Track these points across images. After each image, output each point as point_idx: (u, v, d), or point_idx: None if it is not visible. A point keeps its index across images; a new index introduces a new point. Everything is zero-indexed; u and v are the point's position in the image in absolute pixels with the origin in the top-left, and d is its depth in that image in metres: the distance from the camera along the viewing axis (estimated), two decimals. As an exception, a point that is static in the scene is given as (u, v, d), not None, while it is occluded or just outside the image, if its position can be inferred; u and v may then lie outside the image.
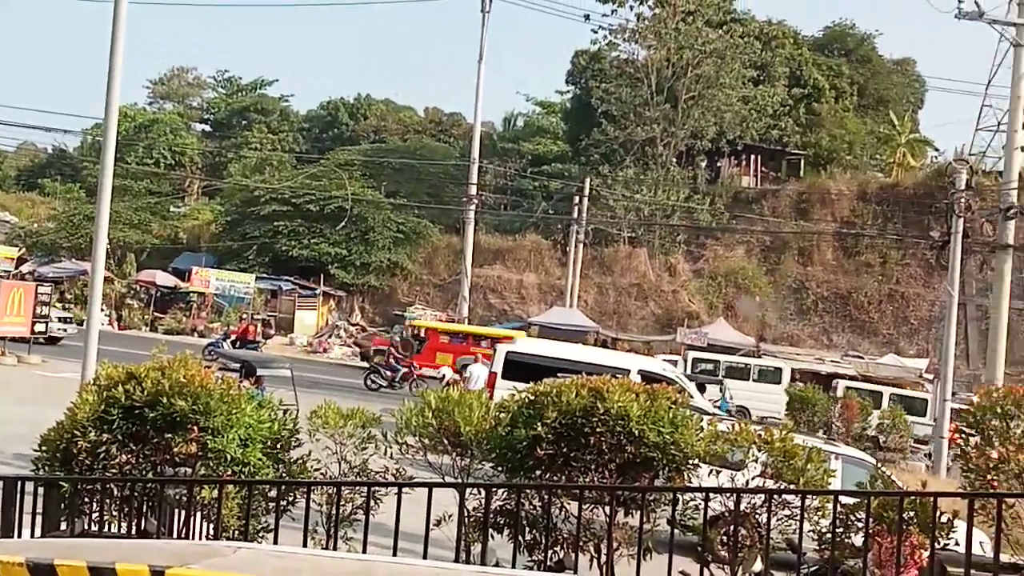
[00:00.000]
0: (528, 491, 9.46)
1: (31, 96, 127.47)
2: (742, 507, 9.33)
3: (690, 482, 9.70)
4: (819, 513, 9.34)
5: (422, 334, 44.43)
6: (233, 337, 41.25)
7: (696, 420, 9.86)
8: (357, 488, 9.86)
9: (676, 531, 9.03)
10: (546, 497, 9.19)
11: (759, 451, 10.09)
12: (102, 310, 23.15)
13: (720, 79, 57.73)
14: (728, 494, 9.33)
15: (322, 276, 55.03)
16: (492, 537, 9.36)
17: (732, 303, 54.30)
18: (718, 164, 62.23)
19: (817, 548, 9.69)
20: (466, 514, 9.40)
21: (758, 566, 9.52)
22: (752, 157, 62.18)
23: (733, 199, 59.56)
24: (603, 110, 58.34)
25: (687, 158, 59.62)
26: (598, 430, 9.16)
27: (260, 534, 9.45)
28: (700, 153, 59.84)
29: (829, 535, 9.03)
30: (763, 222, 57.49)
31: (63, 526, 9.83)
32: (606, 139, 58.49)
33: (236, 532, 9.30)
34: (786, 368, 38.89)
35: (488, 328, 46.78)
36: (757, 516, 9.56)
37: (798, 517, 8.79)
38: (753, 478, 9.92)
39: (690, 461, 9.60)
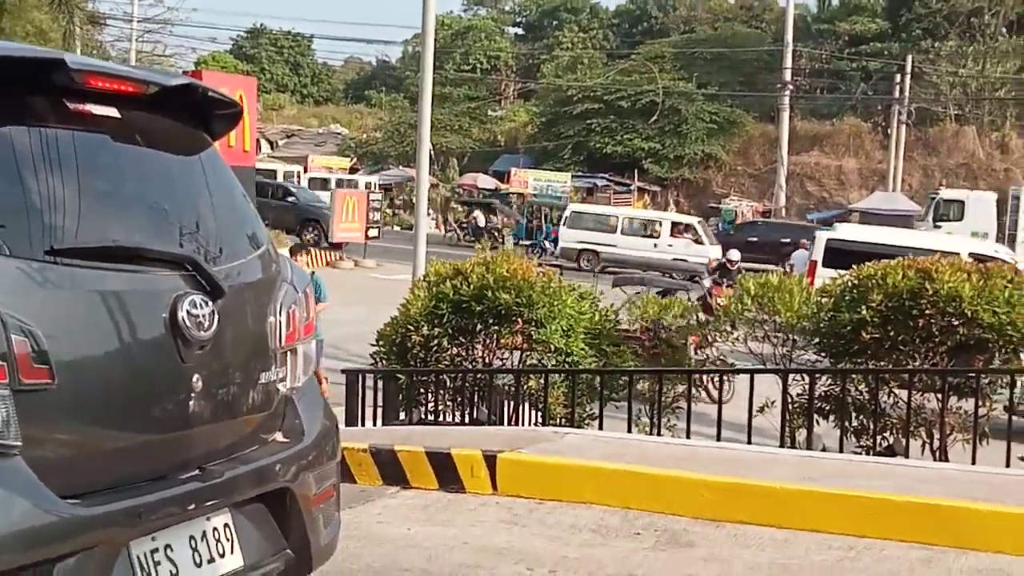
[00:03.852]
0: (854, 376, 9.27)
1: (354, 10, 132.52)
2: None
3: (1029, 364, 9.22)
4: None
5: None
6: (554, 236, 42.07)
7: (1035, 299, 9.30)
8: (679, 376, 9.94)
9: (1014, 416, 8.66)
10: (873, 382, 8.98)
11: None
12: (428, 214, 24.17)
13: (1056, -64, 53.40)
14: (1072, 375, 8.82)
15: (636, 171, 54.97)
16: (817, 423, 9.25)
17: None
18: (1054, 30, 57.68)
19: None
20: (789, 400, 9.32)
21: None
22: (1095, 19, 57.26)
23: (1073, 66, 55.15)
24: (925, -20, 55.12)
25: (1018, 27, 55.49)
26: (927, 312, 8.80)
27: (585, 421, 9.71)
28: (1034, 20, 55.65)
29: None
30: (1108, 89, 52.97)
31: (401, 416, 10.45)
32: (928, 12, 55.30)
33: (562, 420, 9.60)
34: None
35: None
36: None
37: None
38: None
39: (1029, 342, 9.09)
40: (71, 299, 3.07)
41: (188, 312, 3.27)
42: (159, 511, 3.21)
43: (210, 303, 3.36)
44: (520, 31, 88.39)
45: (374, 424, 10.04)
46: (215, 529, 3.46)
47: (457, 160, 59.77)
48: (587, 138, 56.24)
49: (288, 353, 3.87)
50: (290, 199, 39.58)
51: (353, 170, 59.71)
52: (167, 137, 3.67)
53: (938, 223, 38.26)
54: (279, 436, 3.84)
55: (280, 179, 45.71)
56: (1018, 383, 8.78)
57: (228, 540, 3.50)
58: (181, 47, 73.06)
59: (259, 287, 3.79)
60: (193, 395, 3.33)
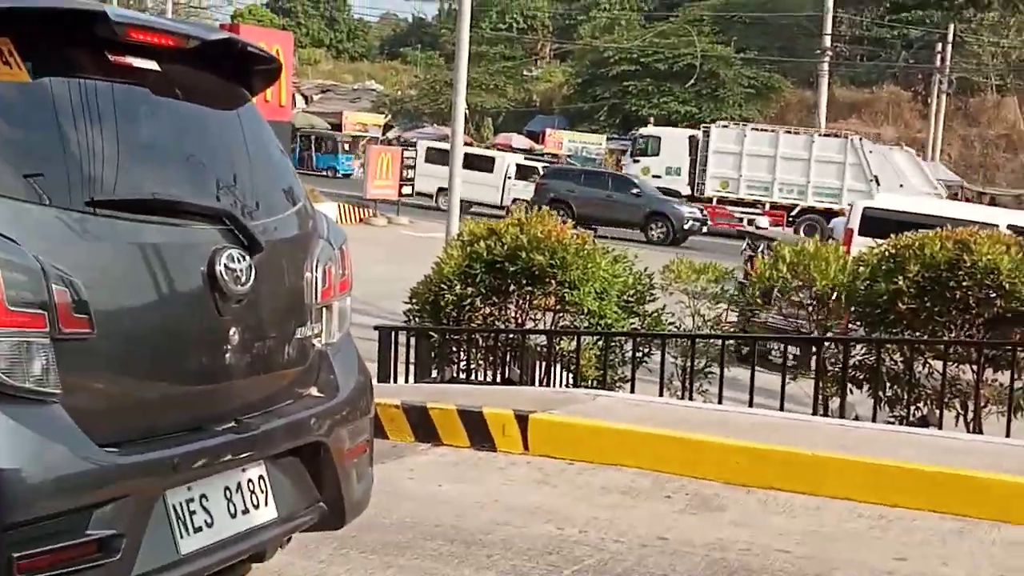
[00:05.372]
0: (889, 346, 9.20)
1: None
2: None
3: (1065, 339, 9.12)
4: None
5: None
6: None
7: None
8: (712, 341, 9.91)
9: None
10: (908, 353, 8.91)
11: None
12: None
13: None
14: (1110, 351, 8.72)
15: (672, 135, 54.67)
16: (851, 392, 9.20)
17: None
18: (1102, 1, 56.75)
19: None
20: (823, 369, 9.27)
21: None
22: None
23: (1119, 38, 54.35)
24: (970, -52, 54.34)
25: (1063, -2, 54.76)
26: (964, 284, 8.72)
27: (617, 384, 9.69)
28: (1080, -10, 54.79)
29: None
30: None
31: (434, 373, 10.47)
32: (972, -20, 54.55)
33: (594, 382, 9.59)
34: None
35: None
36: None
37: None
38: None
39: (1066, 318, 9.00)
40: (110, 250, 3.08)
41: (226, 266, 3.28)
42: (195, 461, 3.23)
43: (247, 257, 3.36)
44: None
45: (407, 381, 10.05)
46: (250, 481, 3.49)
47: (492, 120, 59.63)
48: (623, 100, 55.97)
49: (324, 309, 3.88)
50: (634, 191, 36.67)
51: (387, 127, 59.67)
52: (206, 91, 3.66)
53: (636, 158, 41.45)
54: (314, 391, 3.86)
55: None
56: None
57: (262, 492, 3.53)
58: (218, 0, 72.97)
59: (295, 243, 3.79)
60: (229, 348, 3.35)
